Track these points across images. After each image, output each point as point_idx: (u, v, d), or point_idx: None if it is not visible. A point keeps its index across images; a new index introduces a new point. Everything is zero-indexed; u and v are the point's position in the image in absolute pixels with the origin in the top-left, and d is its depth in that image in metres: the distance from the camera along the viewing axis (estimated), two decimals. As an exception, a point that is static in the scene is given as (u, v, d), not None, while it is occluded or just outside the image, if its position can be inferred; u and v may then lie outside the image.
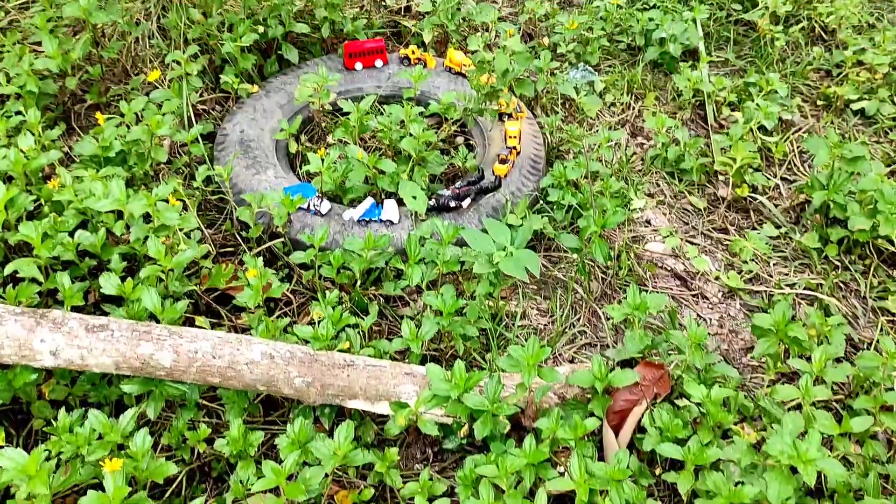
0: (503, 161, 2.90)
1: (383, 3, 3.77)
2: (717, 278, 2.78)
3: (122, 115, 2.83)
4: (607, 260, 2.39)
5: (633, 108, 3.53)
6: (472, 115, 2.93)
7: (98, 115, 2.80)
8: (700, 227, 2.99)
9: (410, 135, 2.76)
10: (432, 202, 2.69)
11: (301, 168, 3.12)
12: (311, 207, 2.65)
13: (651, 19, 3.74)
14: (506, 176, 2.90)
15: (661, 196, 3.12)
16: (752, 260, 2.80)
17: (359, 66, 3.42)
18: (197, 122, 3.24)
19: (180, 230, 2.37)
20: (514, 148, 2.97)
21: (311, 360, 2.07)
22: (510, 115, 3.17)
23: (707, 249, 2.91)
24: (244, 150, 2.98)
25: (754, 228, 2.99)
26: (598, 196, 2.85)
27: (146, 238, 2.32)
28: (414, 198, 2.66)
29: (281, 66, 3.44)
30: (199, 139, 2.88)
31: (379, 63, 3.43)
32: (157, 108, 2.93)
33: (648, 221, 3.00)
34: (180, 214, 2.39)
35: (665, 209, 3.06)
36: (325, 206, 2.69)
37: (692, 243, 2.93)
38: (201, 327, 2.35)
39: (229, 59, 3.24)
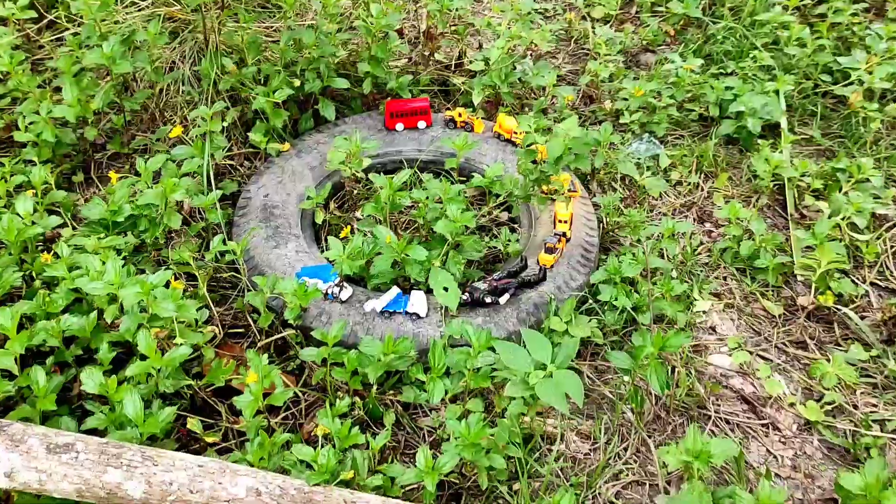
0: (550, 250, 2.56)
1: (432, 57, 3.49)
2: (791, 405, 2.39)
3: (139, 174, 2.60)
4: (664, 389, 2.03)
5: (703, 189, 3.16)
6: (516, 200, 2.60)
7: (112, 173, 2.57)
8: (774, 339, 2.60)
9: (446, 216, 2.45)
10: (465, 297, 2.37)
11: (326, 241, 2.84)
12: (329, 293, 2.36)
13: (728, 88, 3.37)
14: (552, 267, 2.56)
15: (729, 297, 2.74)
16: (836, 388, 2.40)
17: (400, 126, 3.14)
18: (223, 180, 3.00)
19: (179, 321, 2.10)
20: (564, 234, 2.63)
21: (305, 499, 1.76)
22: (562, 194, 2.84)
23: (781, 367, 2.51)
24: (266, 218, 2.71)
25: (838, 344, 2.59)
26: (658, 299, 2.48)
27: (140, 326, 2.06)
28: (445, 290, 2.35)
29: (317, 122, 3.18)
30: (217, 205, 2.62)
31: (422, 124, 3.15)
32: (178, 168, 2.69)
33: (713, 328, 2.63)
34: (182, 298, 2.12)
35: (733, 314, 2.68)
36: (346, 292, 2.39)
37: (764, 358, 2.54)
38: (192, 431, 2.07)
39: (261, 114, 2.99)
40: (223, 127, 3.11)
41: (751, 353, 2.54)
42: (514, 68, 3.25)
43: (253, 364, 2.05)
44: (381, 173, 3.09)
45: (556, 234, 2.62)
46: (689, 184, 3.17)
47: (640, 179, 2.78)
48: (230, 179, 3.02)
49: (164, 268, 2.49)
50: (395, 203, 2.49)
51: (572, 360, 2.06)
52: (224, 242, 2.47)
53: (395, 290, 2.39)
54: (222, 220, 2.63)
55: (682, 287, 2.49)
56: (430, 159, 3.10)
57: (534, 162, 2.48)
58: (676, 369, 2.41)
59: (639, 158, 3.23)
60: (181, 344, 2.01)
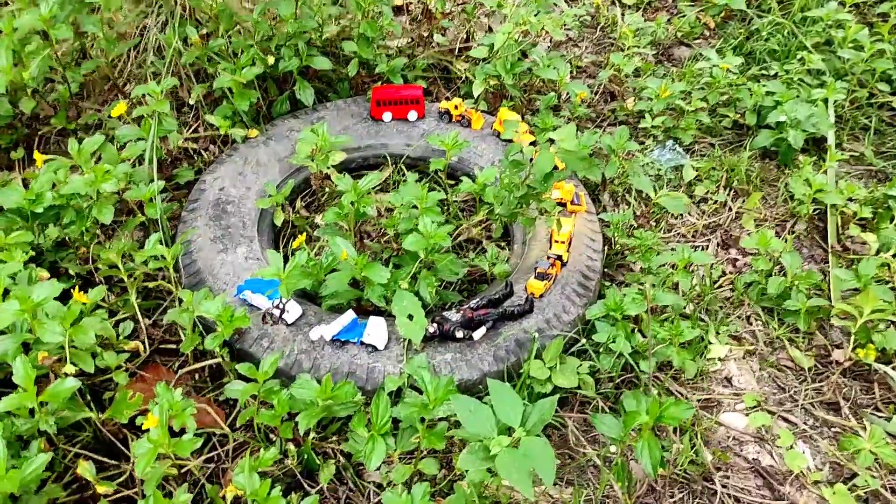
0: (541, 276, 2.17)
1: (431, 39, 3.08)
2: (816, 484, 1.98)
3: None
4: (657, 469, 1.64)
5: (731, 210, 2.73)
6: (499, 219, 2.20)
7: (37, 154, 2.22)
8: (800, 398, 2.19)
9: (418, 229, 2.07)
10: (433, 328, 1.99)
11: (287, 246, 2.47)
12: (268, 319, 1.99)
13: (769, 93, 2.93)
14: (542, 296, 2.17)
15: (751, 342, 2.32)
16: (872, 468, 1.99)
17: (387, 116, 2.75)
18: (179, 167, 2.64)
19: (73, 346, 1.74)
20: (560, 257, 2.24)
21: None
22: (564, 206, 2.43)
23: (807, 435, 2.10)
24: (217, 216, 2.34)
25: (878, 410, 2.17)
26: (666, 345, 2.08)
27: (26, 349, 1.72)
28: (410, 318, 1.97)
29: (294, 107, 2.80)
30: (158, 198, 2.26)
31: (413, 115, 2.75)
32: (120, 151, 2.34)
33: (729, 380, 2.22)
34: (80, 314, 1.76)
35: (754, 363, 2.27)
36: (293, 313, 2.03)
37: (787, 421, 2.13)
38: (83, 479, 1.72)
39: (227, 94, 2.62)
40: (192, 105, 2.76)
41: (771, 413, 2.13)
42: (523, 57, 2.83)
43: (160, 401, 1.70)
44: (362, 169, 2.72)
45: (549, 257, 2.22)
46: (716, 202, 2.74)
47: (655, 197, 2.37)
48: (189, 167, 2.66)
49: (73, 273, 2.15)
50: (360, 212, 2.10)
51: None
52: (162, 243, 2.11)
53: (349, 316, 2.01)
54: (163, 215, 2.27)
55: (693, 332, 2.08)
56: (419, 156, 2.71)
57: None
58: (678, 431, 2.01)
59: (660, 169, 2.81)
60: (69, 375, 1.65)
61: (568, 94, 2.95)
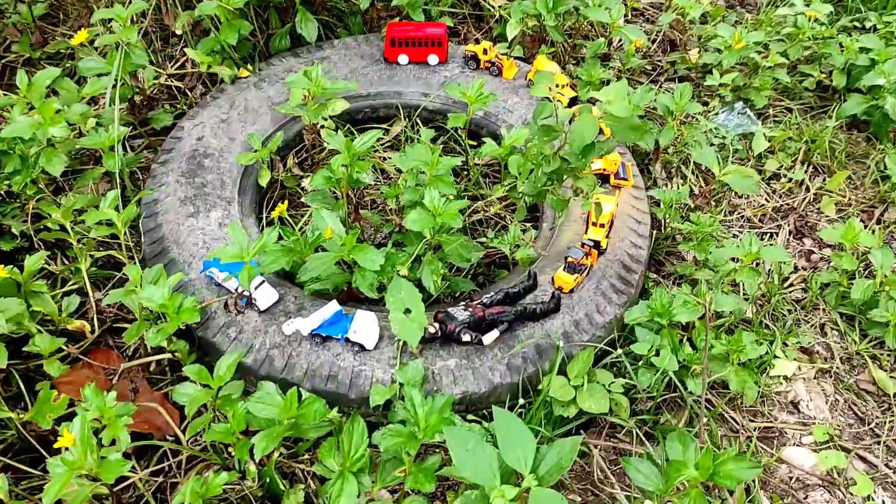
0: (572, 267, 1.77)
1: (464, -31, 2.63)
2: (899, 547, 1.59)
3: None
4: (706, 541, 1.26)
5: (808, 189, 2.28)
6: (524, 199, 1.79)
7: (-21, 88, 1.86)
8: (883, 432, 1.78)
9: (422, 204, 1.67)
10: (433, 329, 1.61)
11: (272, 212, 2.09)
12: (231, 308, 1.63)
13: (864, 50, 2.43)
14: (571, 292, 1.78)
15: (824, 357, 1.91)
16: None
17: (403, 59, 2.33)
18: (157, 109, 2.27)
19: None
20: (597, 244, 1.83)
21: None
22: (606, 181, 2.02)
23: (889, 480, 1.70)
24: (191, 172, 1.98)
25: (980, 454, 1.76)
26: (719, 360, 1.68)
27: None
28: (405, 313, 1.59)
29: (295, 43, 2.39)
30: (118, 146, 1.89)
31: (433, 59, 2.33)
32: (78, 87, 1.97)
33: (796, 404, 1.82)
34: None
35: (828, 384, 1.86)
36: (267, 298, 1.67)
37: (865, 460, 1.73)
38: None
39: (214, 22, 2.22)
40: (180, 35, 2.37)
41: (847, 451, 1.73)
42: (569, -6, 2.37)
43: (87, 407, 1.36)
44: (370, 121, 2.32)
45: (585, 243, 1.81)
46: (790, 180, 2.29)
47: (720, 173, 1.93)
48: (171, 108, 2.29)
49: (17, 233, 1.81)
50: (354, 178, 1.71)
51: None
52: (123, 202, 1.76)
53: (332, 307, 1.64)
54: (125, 167, 1.91)
55: (757, 349, 1.67)
56: (438, 108, 2.30)
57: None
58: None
59: (725, 136, 2.35)
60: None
61: (620, 41, 2.49)
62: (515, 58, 2.42)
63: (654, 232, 2.06)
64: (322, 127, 1.96)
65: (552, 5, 2.30)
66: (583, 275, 1.78)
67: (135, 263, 1.72)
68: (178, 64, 2.38)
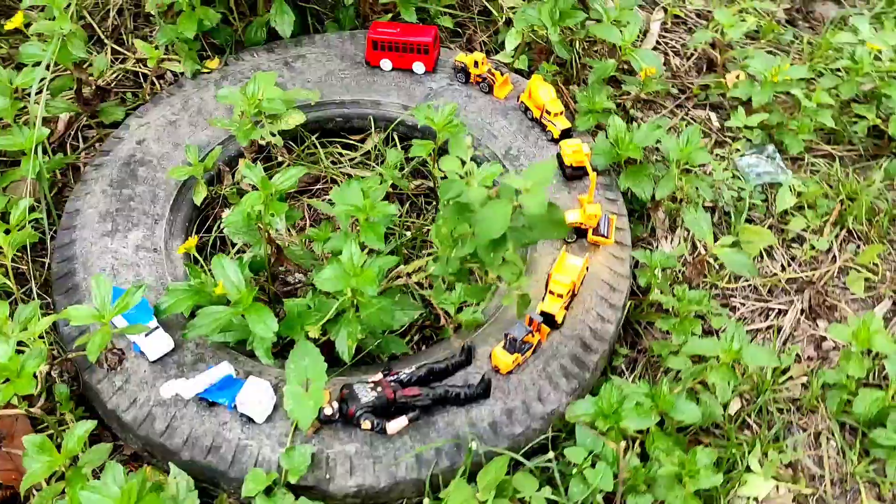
0: (512, 346, 1.52)
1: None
2: None
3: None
4: None
5: (835, 261, 1.95)
6: (437, 280, 1.51)
7: None
8: (865, 583, 1.49)
9: (338, 259, 1.44)
10: (329, 410, 1.40)
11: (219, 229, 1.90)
12: (103, 362, 1.45)
13: (932, 96, 2.04)
14: (510, 372, 1.53)
15: (812, 475, 1.61)
16: None
17: (386, 64, 2.07)
18: (108, 100, 2.09)
19: None
20: (550, 319, 1.57)
21: None
22: (582, 236, 1.74)
23: None
24: (121, 181, 1.80)
25: None
26: (670, 484, 1.42)
27: None
28: (301, 390, 1.38)
29: (272, 36, 2.16)
30: (38, 149, 1.72)
31: (419, 67, 2.07)
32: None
33: (764, 537, 1.54)
34: None
35: (809, 514, 1.57)
36: (158, 346, 1.48)
37: None
38: None
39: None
40: (153, 15, 2.17)
41: None
42: (581, 5, 2.05)
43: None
44: (343, 131, 2.09)
45: (533, 318, 1.55)
46: (815, 248, 1.95)
47: (713, 246, 1.62)
48: (132, 98, 2.11)
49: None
50: (266, 217, 1.49)
51: None
52: (33, 211, 1.60)
53: (221, 370, 1.45)
54: (44, 173, 1.74)
55: (712, 478, 1.40)
56: (416, 123, 2.04)
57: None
58: None
59: (744, 186, 2.02)
60: None
61: (631, 68, 2.16)
62: (516, 71, 2.14)
63: (640, 296, 1.78)
64: (263, 146, 1.74)
65: (558, 16, 1.99)
66: (525, 354, 1.53)
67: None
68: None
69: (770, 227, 1.98)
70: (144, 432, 1.44)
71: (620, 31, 1.95)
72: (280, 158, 1.93)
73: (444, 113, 1.77)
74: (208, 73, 2.04)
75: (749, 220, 1.99)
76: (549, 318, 1.57)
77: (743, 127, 2.05)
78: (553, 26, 1.98)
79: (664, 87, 2.24)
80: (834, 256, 1.95)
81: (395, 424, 1.41)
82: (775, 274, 1.91)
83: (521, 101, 1.99)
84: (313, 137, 2.04)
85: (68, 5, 1.78)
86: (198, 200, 1.78)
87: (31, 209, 1.67)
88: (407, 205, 1.99)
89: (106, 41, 2.15)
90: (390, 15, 2.22)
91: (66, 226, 1.73)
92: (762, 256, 1.94)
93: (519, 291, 1.23)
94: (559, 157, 1.86)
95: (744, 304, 1.86)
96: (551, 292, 1.59)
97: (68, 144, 2.04)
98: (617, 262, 1.74)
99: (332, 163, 2.06)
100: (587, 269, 1.67)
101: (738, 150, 2.08)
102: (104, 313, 1.29)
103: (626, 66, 2.14)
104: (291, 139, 2.04)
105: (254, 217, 1.49)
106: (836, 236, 1.98)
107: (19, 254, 1.70)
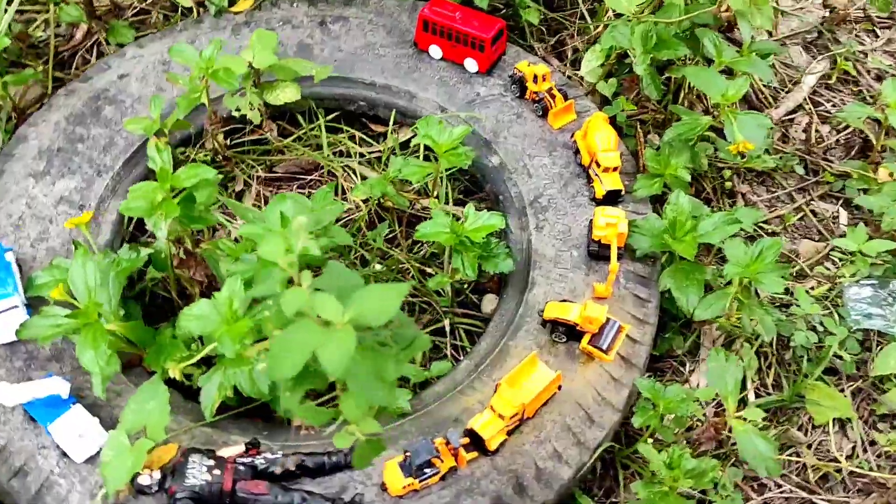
0: (410, 469, 1.15)
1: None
2: None
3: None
4: None
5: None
6: None
7: None
8: None
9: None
10: (147, 480, 1.10)
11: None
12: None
13: None
14: (400, 498, 1.16)
15: None
16: None
17: (436, 51, 1.70)
18: (121, 17, 1.85)
19: None
20: (478, 441, 1.18)
21: None
22: (577, 338, 1.32)
23: None
24: (79, 117, 1.57)
25: None
26: None
27: None
28: (125, 443, 1.09)
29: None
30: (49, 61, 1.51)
31: (471, 65, 1.67)
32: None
33: None
34: None
35: None
36: (9, 329, 1.24)
37: None
38: None
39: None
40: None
41: None
42: (689, 35, 1.55)
43: None
44: (365, 118, 1.76)
45: (449, 440, 1.16)
46: (905, 441, 1.40)
47: (731, 416, 1.14)
48: (163, 21, 1.86)
49: None
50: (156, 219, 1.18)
51: None
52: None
53: (53, 385, 1.17)
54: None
55: None
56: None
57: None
58: None
59: (837, 322, 1.49)
60: None
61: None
62: (602, 99, 1.69)
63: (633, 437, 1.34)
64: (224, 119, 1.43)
65: (654, 44, 1.51)
66: (427, 481, 1.16)
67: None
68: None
69: (853, 394, 1.45)
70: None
71: (726, 84, 1.44)
72: (269, 136, 1.61)
73: (452, 135, 1.39)
74: (234, 14, 1.74)
75: (829, 371, 1.47)
76: (475, 441, 1.18)
77: (858, 252, 1.50)
78: (643, 54, 1.51)
79: (783, 164, 1.71)
80: (933, 461, 1.40)
81: (233, 524, 1.09)
82: (835, 459, 1.39)
83: (574, 140, 1.56)
84: (323, 119, 1.71)
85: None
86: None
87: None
88: (404, 224, 1.63)
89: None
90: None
91: (6, 153, 1.51)
92: (827, 428, 1.42)
93: (362, 433, 0.84)
94: (590, 225, 1.43)
95: (779, 488, 1.37)
96: (492, 408, 1.19)
97: (79, 57, 1.83)
98: (611, 386, 1.30)
99: (339, 154, 1.72)
100: (559, 388, 1.26)
101: (849, 274, 1.53)
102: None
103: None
104: (301, 114, 1.72)
105: (156, 207, 1.19)
106: (947, 432, 1.42)
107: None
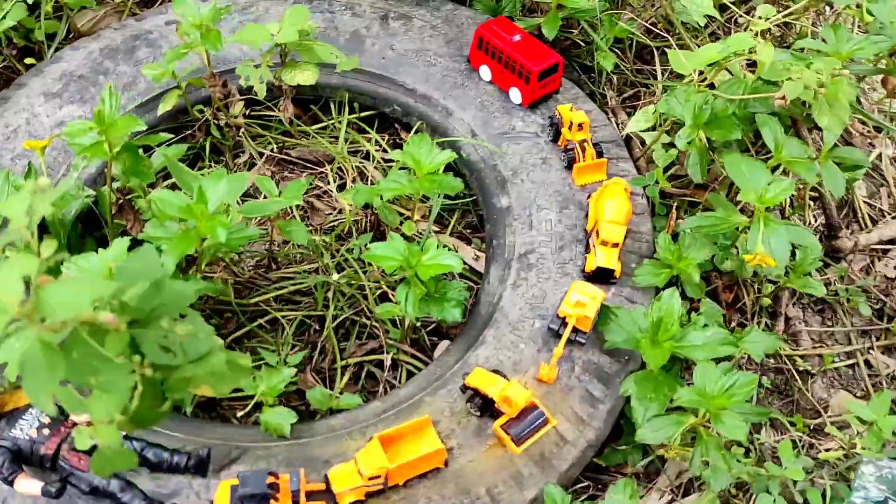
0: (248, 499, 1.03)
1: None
2: None
3: None
4: None
5: None
6: None
7: None
8: None
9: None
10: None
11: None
12: None
13: None
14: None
15: None
16: None
17: (486, 73, 1.57)
18: None
19: None
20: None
21: None
22: (492, 413, 1.15)
23: None
24: (95, 65, 1.57)
25: None
26: None
27: None
28: None
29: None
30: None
31: (515, 95, 1.53)
32: None
33: None
34: None
35: None
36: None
37: None
38: None
39: None
40: None
41: None
42: (744, 109, 1.32)
43: None
44: (395, 122, 1.67)
45: (290, 474, 1.03)
46: None
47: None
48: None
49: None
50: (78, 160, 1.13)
51: None
52: None
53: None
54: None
55: None
56: (475, 160, 1.52)
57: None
58: None
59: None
60: None
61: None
62: (614, 154, 1.49)
63: None
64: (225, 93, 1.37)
65: (704, 118, 1.30)
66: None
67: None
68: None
69: None
70: None
71: (766, 181, 1.21)
72: (283, 117, 1.53)
73: (434, 159, 1.25)
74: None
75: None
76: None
77: (874, 423, 1.20)
78: (692, 129, 1.30)
79: (846, 297, 1.43)
80: None
81: (26, 486, 1.02)
82: None
83: (589, 202, 1.37)
84: (347, 114, 1.63)
85: None
86: (166, 105, 1.46)
87: None
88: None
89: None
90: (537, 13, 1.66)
91: (38, 67, 1.55)
92: None
93: (100, 439, 0.72)
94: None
95: None
96: (355, 460, 1.05)
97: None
98: (513, 483, 1.12)
99: (357, 153, 1.63)
100: (445, 464, 1.09)
101: (866, 448, 1.24)
102: None
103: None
104: (336, 105, 1.65)
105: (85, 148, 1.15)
106: None
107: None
